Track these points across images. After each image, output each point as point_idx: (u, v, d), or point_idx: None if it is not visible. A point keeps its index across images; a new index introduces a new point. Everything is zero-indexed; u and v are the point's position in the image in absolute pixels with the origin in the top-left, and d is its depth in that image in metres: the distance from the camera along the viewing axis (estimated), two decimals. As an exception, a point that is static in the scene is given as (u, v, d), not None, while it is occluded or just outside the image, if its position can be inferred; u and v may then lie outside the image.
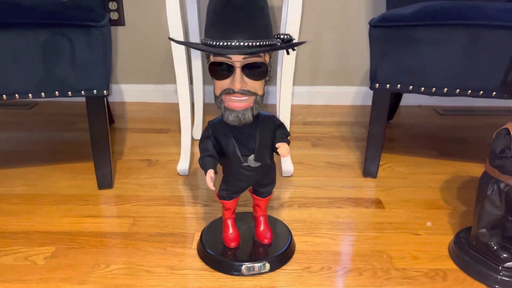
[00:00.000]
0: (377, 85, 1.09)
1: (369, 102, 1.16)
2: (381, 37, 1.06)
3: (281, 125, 0.78)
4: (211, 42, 0.68)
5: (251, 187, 0.84)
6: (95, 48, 0.99)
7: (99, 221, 0.99)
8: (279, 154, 0.76)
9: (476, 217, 0.80)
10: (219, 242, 0.86)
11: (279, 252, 0.84)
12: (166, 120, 1.64)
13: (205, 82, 1.39)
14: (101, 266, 0.84)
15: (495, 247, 0.79)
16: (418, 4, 1.08)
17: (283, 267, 0.83)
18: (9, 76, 0.97)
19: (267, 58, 0.73)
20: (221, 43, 0.67)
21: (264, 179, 0.81)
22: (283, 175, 1.20)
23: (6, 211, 1.02)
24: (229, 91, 0.70)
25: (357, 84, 1.83)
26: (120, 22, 1.74)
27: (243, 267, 0.80)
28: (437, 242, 0.91)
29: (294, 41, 0.75)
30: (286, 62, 1.09)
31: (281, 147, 0.74)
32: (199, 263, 0.85)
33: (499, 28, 0.97)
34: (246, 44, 0.66)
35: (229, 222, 0.86)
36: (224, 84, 0.70)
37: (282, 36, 0.73)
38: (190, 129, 1.18)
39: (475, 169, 1.24)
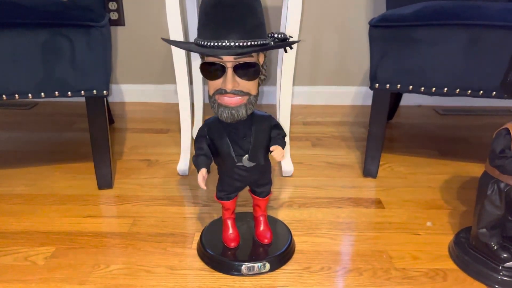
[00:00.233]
0: (377, 85, 1.09)
1: (369, 102, 1.16)
2: (381, 37, 1.06)
3: (277, 125, 0.78)
4: (202, 43, 0.68)
5: (249, 187, 0.84)
6: (95, 48, 0.99)
7: (99, 221, 0.99)
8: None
9: (476, 217, 0.80)
10: (219, 242, 0.86)
11: (279, 252, 0.84)
12: (166, 120, 1.64)
13: (205, 82, 1.39)
14: (101, 266, 0.84)
15: (495, 247, 0.79)
16: (418, 4, 1.08)
17: (283, 267, 0.83)
18: (9, 76, 0.97)
19: (261, 58, 0.72)
20: (212, 44, 0.67)
21: (260, 179, 0.81)
22: (283, 175, 1.20)
23: (6, 211, 1.02)
24: (221, 91, 0.70)
25: (357, 84, 1.83)
26: (120, 22, 1.74)
27: (243, 267, 0.80)
28: (437, 242, 0.91)
29: (288, 40, 0.75)
30: (286, 62, 1.09)
31: (275, 150, 0.74)
32: (199, 263, 0.84)
33: (499, 28, 0.97)
34: (237, 44, 0.66)
35: (229, 222, 0.86)
36: (216, 84, 0.70)
37: (276, 35, 0.73)
38: (190, 129, 1.18)
39: (475, 169, 1.24)
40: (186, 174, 1.20)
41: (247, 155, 0.75)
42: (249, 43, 0.67)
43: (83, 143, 1.39)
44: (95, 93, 1.02)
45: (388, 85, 1.08)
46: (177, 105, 1.15)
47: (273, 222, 0.93)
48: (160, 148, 1.39)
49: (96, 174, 1.12)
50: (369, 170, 1.19)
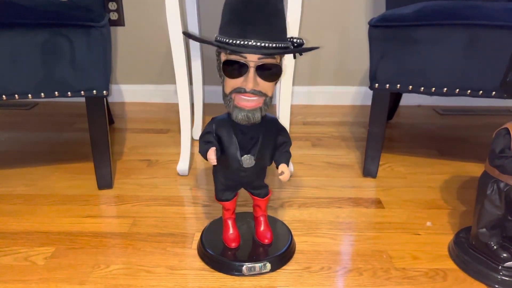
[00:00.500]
0: (377, 85, 1.09)
1: (369, 102, 1.16)
2: (381, 37, 1.06)
3: (283, 130, 0.78)
4: (227, 40, 0.68)
5: (244, 189, 0.85)
6: (95, 48, 0.99)
7: (99, 221, 0.99)
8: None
9: (476, 217, 0.80)
10: (219, 242, 0.86)
11: (279, 252, 0.84)
12: (166, 120, 1.64)
13: (204, 83, 1.39)
14: (101, 266, 0.84)
15: (495, 247, 0.79)
16: (417, 4, 1.08)
17: (283, 267, 0.83)
18: (9, 76, 0.97)
19: (279, 61, 0.73)
20: (238, 42, 0.67)
21: (255, 181, 0.82)
22: (283, 175, 1.20)
23: (6, 211, 1.02)
24: (240, 90, 0.70)
25: (357, 84, 1.83)
26: (119, 22, 1.74)
27: (244, 267, 0.80)
28: (437, 242, 0.91)
29: (304, 46, 0.75)
30: (286, 62, 1.09)
31: (284, 175, 0.73)
32: (199, 263, 0.85)
33: (499, 28, 0.97)
34: (263, 44, 0.66)
35: (229, 222, 0.86)
36: (236, 83, 0.70)
37: (294, 40, 0.73)
38: (190, 129, 1.18)
39: (475, 169, 1.24)
40: (186, 174, 1.20)
41: (246, 155, 0.75)
42: (274, 45, 0.67)
43: (83, 143, 1.39)
44: (95, 93, 1.02)
45: (387, 85, 1.08)
46: (177, 105, 1.15)
47: (273, 222, 0.93)
48: (160, 148, 1.39)
49: (96, 174, 1.12)
50: (369, 170, 1.19)
